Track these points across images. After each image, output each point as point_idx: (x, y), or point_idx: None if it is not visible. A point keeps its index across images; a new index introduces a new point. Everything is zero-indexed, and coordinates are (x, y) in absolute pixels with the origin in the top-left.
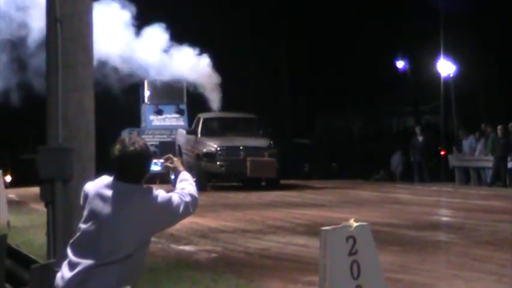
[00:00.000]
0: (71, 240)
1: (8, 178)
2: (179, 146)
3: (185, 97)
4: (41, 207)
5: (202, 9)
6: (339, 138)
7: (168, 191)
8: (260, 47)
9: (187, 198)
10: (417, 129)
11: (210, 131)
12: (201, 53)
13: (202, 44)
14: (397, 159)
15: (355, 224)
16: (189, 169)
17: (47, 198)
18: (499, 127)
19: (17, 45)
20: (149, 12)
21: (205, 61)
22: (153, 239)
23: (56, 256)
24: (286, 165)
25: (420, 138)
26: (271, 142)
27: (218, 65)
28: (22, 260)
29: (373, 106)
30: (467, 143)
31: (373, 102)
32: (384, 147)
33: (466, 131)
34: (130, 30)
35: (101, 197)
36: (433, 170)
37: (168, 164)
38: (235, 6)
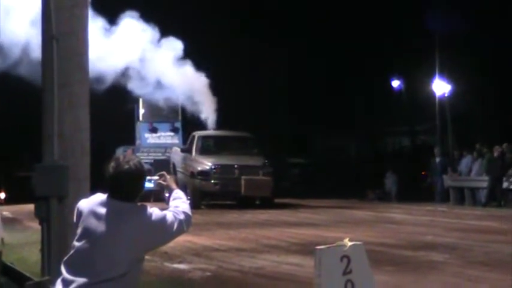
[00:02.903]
0: (65, 258)
1: (2, 195)
2: (174, 164)
3: (180, 115)
4: (35, 225)
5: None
6: (334, 157)
7: (162, 209)
8: (259, 70)
9: (181, 216)
10: (436, 151)
11: (204, 149)
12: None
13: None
14: (391, 179)
15: (349, 244)
16: (184, 187)
17: (42, 215)
18: (495, 147)
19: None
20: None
21: (203, 80)
22: (147, 257)
23: (50, 273)
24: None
25: (438, 160)
26: (266, 161)
27: (214, 85)
28: (16, 277)
29: (368, 126)
30: (464, 162)
31: (368, 121)
32: (378, 166)
33: (465, 151)
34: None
35: (95, 214)
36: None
37: (161, 181)
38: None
